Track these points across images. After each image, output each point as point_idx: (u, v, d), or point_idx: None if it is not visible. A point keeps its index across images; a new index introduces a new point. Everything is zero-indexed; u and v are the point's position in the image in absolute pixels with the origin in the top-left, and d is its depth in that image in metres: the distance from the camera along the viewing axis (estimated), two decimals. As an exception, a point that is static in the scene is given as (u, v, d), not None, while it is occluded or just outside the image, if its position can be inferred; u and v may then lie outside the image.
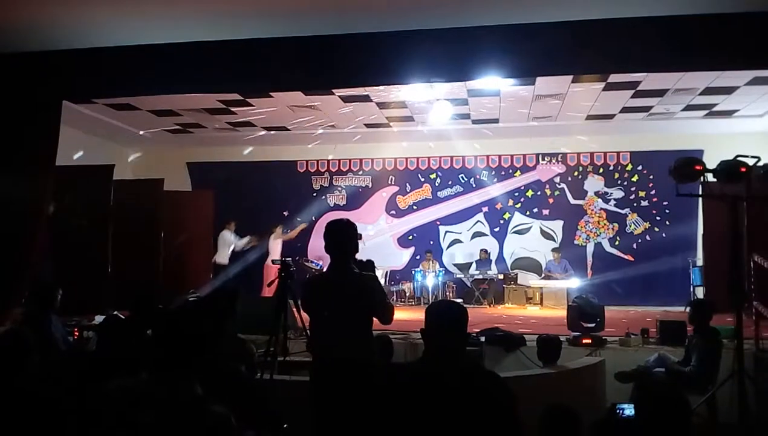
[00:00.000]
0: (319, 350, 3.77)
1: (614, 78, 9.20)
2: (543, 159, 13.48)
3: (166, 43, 7.00)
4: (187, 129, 12.56)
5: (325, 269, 4.78)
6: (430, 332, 2.58)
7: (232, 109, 10.99)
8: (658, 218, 12.92)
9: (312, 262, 13.01)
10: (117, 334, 4.51)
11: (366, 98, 10.37)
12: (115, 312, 7.06)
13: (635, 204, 13.09)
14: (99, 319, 7.52)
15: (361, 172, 14.15)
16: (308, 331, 3.92)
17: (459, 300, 12.13)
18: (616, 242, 13.14)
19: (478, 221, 13.73)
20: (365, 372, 3.48)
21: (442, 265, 13.30)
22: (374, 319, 3.74)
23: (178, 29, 6.85)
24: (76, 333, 7.08)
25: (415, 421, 2.40)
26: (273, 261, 8.91)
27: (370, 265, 3.90)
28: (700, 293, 11.16)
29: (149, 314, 4.59)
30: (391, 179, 14.05)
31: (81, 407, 2.82)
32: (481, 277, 12.71)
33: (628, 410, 3.77)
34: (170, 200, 10.92)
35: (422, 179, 13.95)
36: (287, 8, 6.41)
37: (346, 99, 10.36)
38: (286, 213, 13.95)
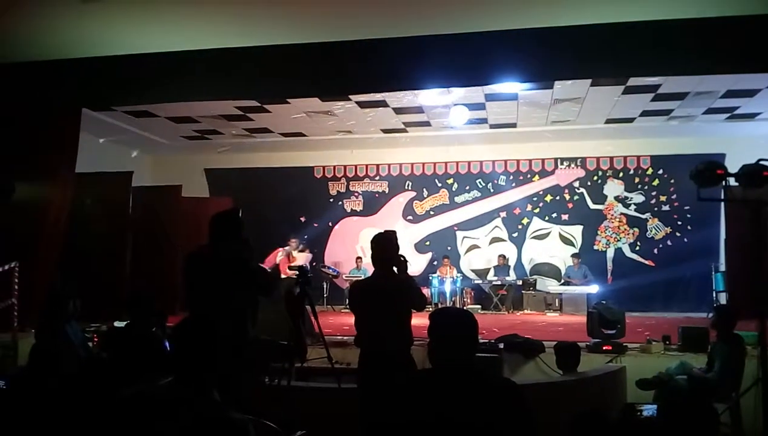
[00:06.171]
0: (366, 343, 4.30)
1: (633, 81, 9.11)
2: (562, 163, 13.36)
3: (183, 50, 7.04)
4: (205, 135, 12.65)
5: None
6: (435, 342, 2.47)
7: (250, 115, 11.04)
8: (679, 223, 12.74)
9: (329, 268, 12.99)
10: (119, 344, 4.48)
11: (383, 103, 10.36)
12: (115, 323, 7.08)
13: (656, 209, 12.92)
14: (119, 325, 7.55)
15: (378, 178, 14.11)
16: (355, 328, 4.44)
17: (477, 306, 12.10)
18: (637, 247, 12.98)
19: (496, 227, 13.63)
20: (405, 360, 4.16)
21: (459, 270, 13.19)
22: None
23: (196, 37, 6.90)
24: (96, 339, 7.11)
25: (427, 430, 2.34)
26: (289, 268, 8.90)
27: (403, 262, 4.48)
28: (723, 298, 10.96)
29: (148, 316, 4.58)
30: (408, 185, 14.01)
31: (100, 414, 2.82)
32: (499, 283, 12.58)
33: (648, 411, 3.69)
34: (188, 207, 10.99)
35: (439, 184, 13.89)
36: (303, 15, 6.44)
37: (363, 104, 10.37)
38: (303, 219, 13.97)
